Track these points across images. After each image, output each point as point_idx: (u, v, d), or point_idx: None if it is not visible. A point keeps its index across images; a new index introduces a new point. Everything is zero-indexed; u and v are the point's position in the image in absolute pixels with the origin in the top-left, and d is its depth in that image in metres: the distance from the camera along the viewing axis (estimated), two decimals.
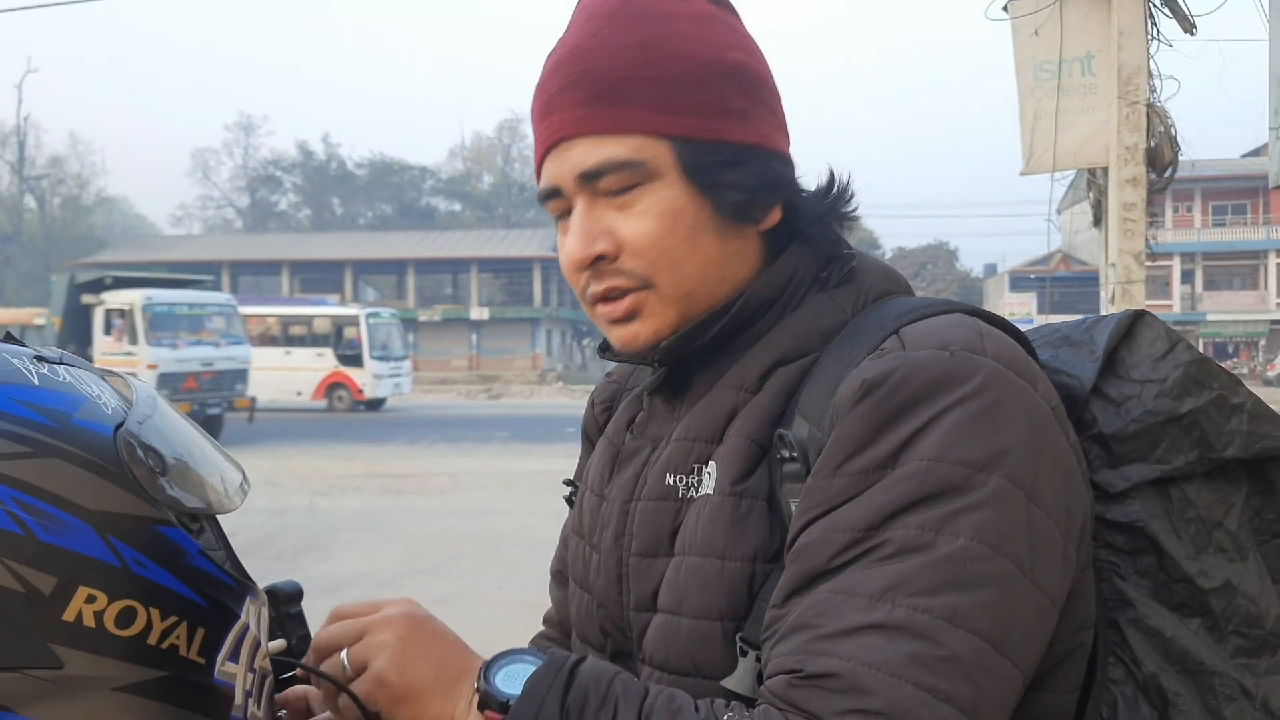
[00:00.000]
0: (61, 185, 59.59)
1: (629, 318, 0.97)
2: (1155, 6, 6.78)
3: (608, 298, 0.97)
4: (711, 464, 0.95)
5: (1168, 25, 6.76)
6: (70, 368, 0.74)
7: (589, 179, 0.95)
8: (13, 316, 20.94)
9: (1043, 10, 6.93)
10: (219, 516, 0.79)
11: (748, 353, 0.98)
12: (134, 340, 18.33)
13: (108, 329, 18.76)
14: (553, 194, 0.98)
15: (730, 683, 0.88)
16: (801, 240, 1.00)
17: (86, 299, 18.95)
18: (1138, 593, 0.94)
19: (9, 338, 0.76)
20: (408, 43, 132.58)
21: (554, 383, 40.74)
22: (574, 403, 30.56)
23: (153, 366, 17.75)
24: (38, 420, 0.67)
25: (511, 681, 0.84)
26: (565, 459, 7.45)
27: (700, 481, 0.95)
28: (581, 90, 0.94)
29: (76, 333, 18.67)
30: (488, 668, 0.85)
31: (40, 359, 0.73)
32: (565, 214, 0.99)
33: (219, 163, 76.47)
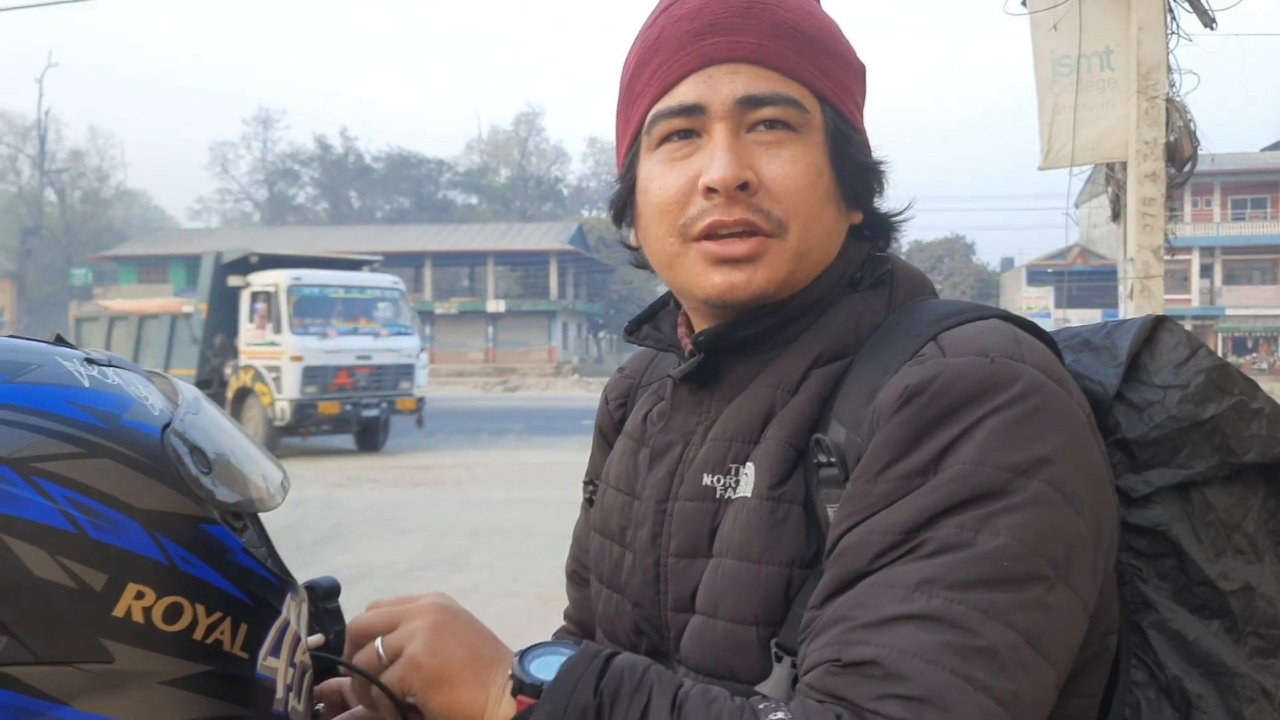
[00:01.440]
0: (82, 179, 59.94)
1: (747, 260, 0.95)
2: (1175, 1, 6.74)
3: (727, 234, 0.95)
4: (749, 465, 0.96)
5: (1187, 20, 6.72)
6: (119, 370, 0.76)
7: (749, 105, 0.94)
8: (162, 305, 18.88)
9: (1062, 5, 6.90)
10: (260, 514, 0.81)
11: (786, 350, 0.99)
12: (278, 328, 15.79)
13: (252, 315, 16.25)
14: (691, 110, 0.95)
15: (765, 688, 0.89)
16: (852, 244, 1.02)
17: (233, 281, 16.44)
18: (1159, 596, 0.95)
19: (59, 340, 0.78)
20: (425, 36, 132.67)
21: (570, 375, 40.79)
22: (590, 395, 30.57)
23: (297, 358, 15.52)
24: (89, 421, 0.70)
25: (546, 669, 0.84)
26: (581, 451, 7.41)
27: (738, 482, 0.96)
28: (763, 22, 0.95)
29: (223, 319, 16.60)
30: (523, 655, 0.87)
31: (90, 361, 0.75)
32: (677, 136, 0.97)
33: (237, 156, 76.72)
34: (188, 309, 17.48)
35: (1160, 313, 6.21)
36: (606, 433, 1.21)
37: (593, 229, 50.83)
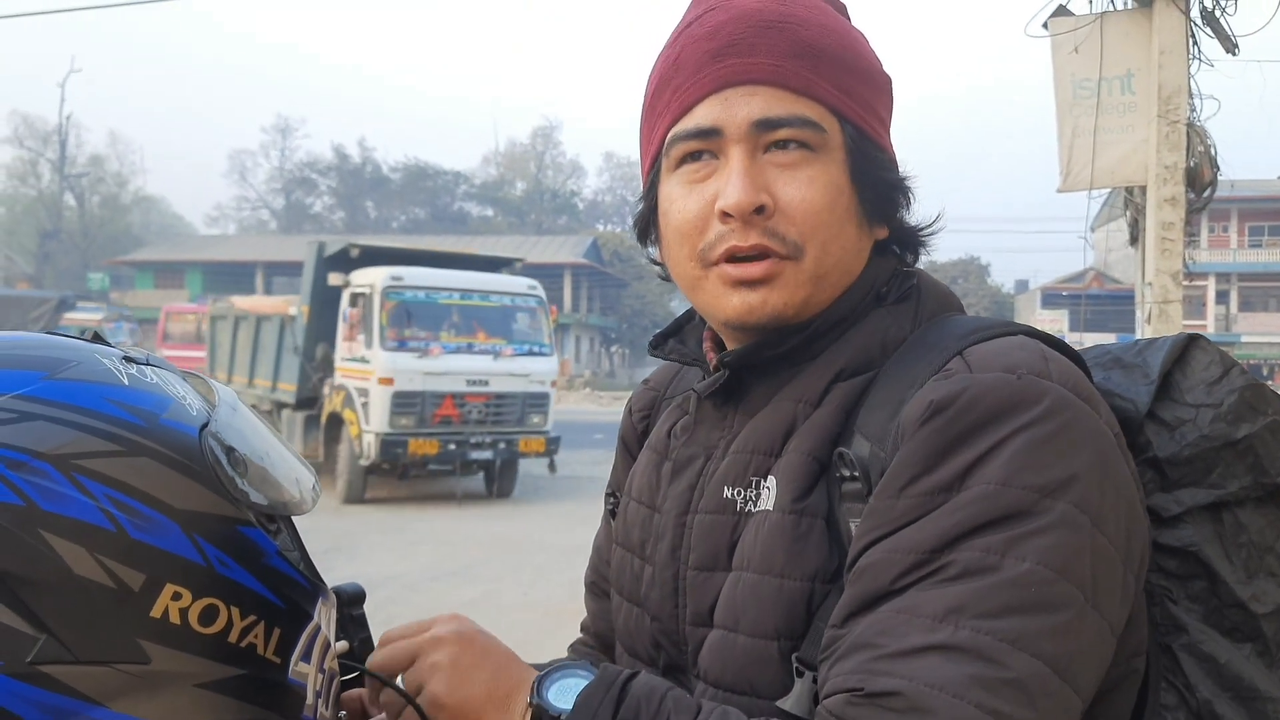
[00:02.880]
0: (101, 184, 60.30)
1: (763, 281, 0.95)
2: (1197, 26, 6.73)
3: (745, 257, 0.95)
4: (770, 478, 0.95)
5: (1209, 45, 6.71)
6: (156, 369, 0.76)
7: (765, 127, 0.94)
8: (273, 305, 15.43)
9: (1083, 28, 6.90)
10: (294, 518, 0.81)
11: (810, 365, 0.98)
12: (370, 341, 11.84)
13: (344, 322, 12.51)
14: (707, 134, 0.95)
15: (786, 703, 0.88)
16: (877, 259, 1.02)
17: (333, 279, 12.51)
18: (1190, 618, 0.94)
19: (97, 338, 0.78)
20: (445, 48, 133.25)
21: (582, 389, 40.77)
22: (601, 409, 30.52)
23: (386, 380, 11.61)
24: (129, 420, 0.69)
25: (564, 696, 0.85)
26: (591, 465, 7.47)
27: (759, 495, 0.95)
28: (782, 41, 0.94)
29: (324, 324, 12.85)
30: (540, 682, 0.86)
31: (128, 359, 0.75)
32: (694, 157, 0.97)
33: (255, 164, 76.91)
34: (292, 310, 13.88)
35: None
36: (630, 444, 1.21)
37: (607, 243, 50.86)
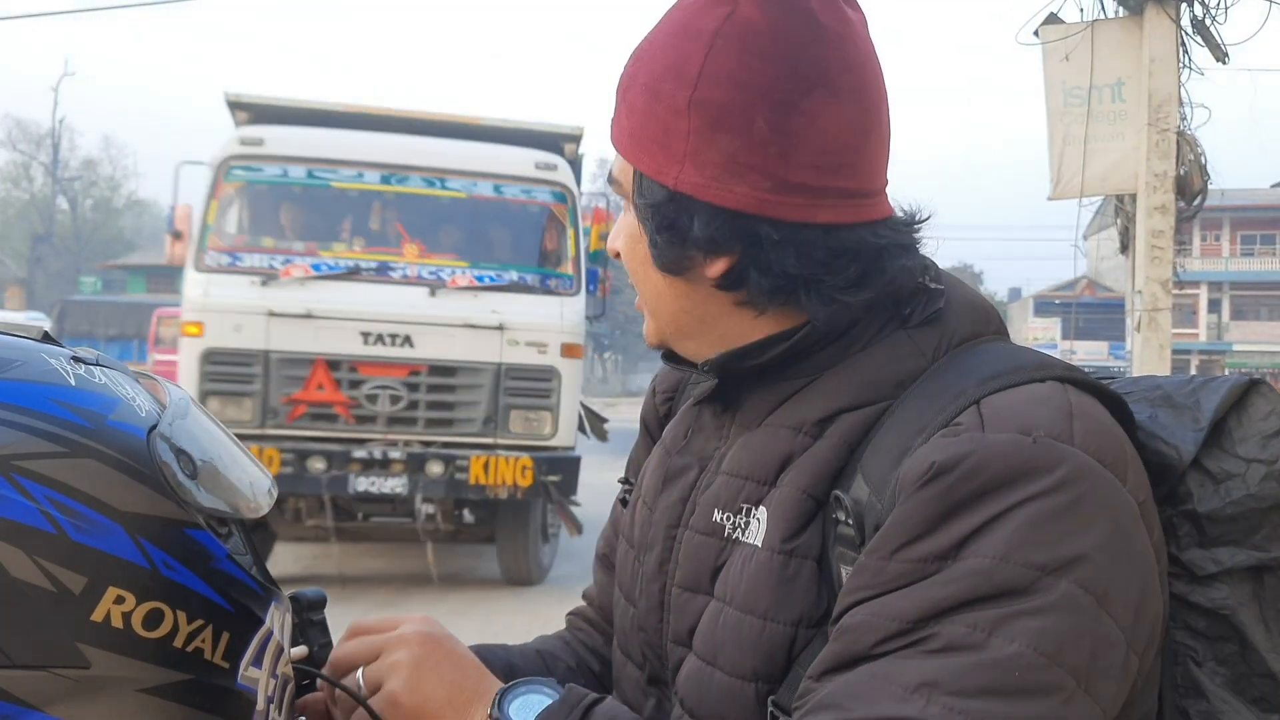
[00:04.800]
0: (94, 187, 60.21)
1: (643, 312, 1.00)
2: (1188, 35, 6.76)
3: None
4: (761, 509, 0.91)
5: (1200, 53, 6.74)
6: (106, 369, 0.75)
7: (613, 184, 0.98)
8: None
9: (1074, 36, 6.92)
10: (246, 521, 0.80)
11: (810, 386, 0.92)
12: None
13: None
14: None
15: None
16: (877, 272, 0.91)
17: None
18: (1213, 683, 0.88)
19: (46, 337, 0.77)
20: (438, 54, 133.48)
21: None
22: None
23: (193, 328, 6.70)
24: (73, 420, 0.68)
25: (525, 712, 0.84)
26: (585, 470, 7.42)
27: (748, 525, 0.91)
28: (615, 97, 0.96)
29: None
30: (502, 695, 0.85)
31: (77, 360, 0.74)
32: None
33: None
34: None
35: (1168, 345, 6.15)
36: (650, 425, 1.18)
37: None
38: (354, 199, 7.30)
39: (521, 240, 7.54)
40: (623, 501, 1.17)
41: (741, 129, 0.86)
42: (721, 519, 0.93)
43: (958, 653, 0.75)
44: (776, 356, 0.92)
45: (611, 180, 0.96)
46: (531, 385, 7.05)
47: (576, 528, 7.41)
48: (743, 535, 0.91)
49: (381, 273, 7.00)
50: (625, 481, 1.18)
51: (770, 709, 0.86)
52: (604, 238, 6.95)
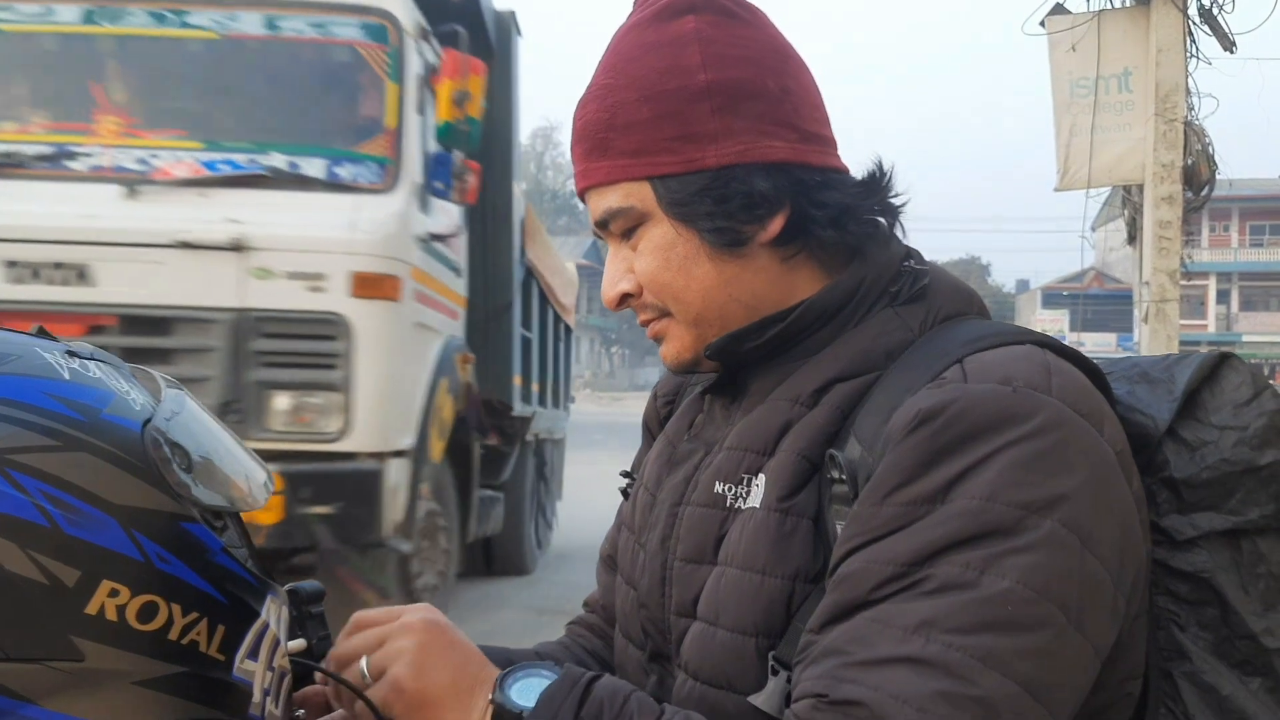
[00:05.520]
0: None
1: (659, 340, 1.03)
2: (1194, 24, 6.73)
3: (646, 323, 1.03)
4: (761, 476, 0.94)
5: (1207, 43, 6.70)
6: (100, 363, 0.75)
7: (602, 226, 1.01)
8: None
9: (1080, 26, 6.89)
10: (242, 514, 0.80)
11: (807, 363, 0.97)
12: None
13: None
14: (596, 234, 1.04)
15: (758, 700, 0.88)
16: (867, 252, 0.98)
17: None
18: (1196, 646, 0.91)
19: (42, 332, 0.77)
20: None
21: (582, 389, 40.81)
22: (601, 410, 30.51)
23: None
24: (68, 415, 0.68)
25: (526, 694, 0.84)
26: (590, 465, 7.49)
27: (749, 493, 0.94)
28: (582, 145, 0.99)
29: None
30: (503, 679, 0.86)
31: (72, 354, 0.74)
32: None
33: None
34: None
35: (1176, 336, 6.12)
36: (651, 427, 1.22)
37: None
38: (41, 49, 4.69)
39: (305, 105, 4.67)
40: (624, 493, 1.19)
41: (760, 93, 0.95)
42: (723, 489, 0.97)
43: (952, 592, 0.78)
44: (775, 336, 0.97)
45: (611, 219, 0.99)
46: (300, 347, 4.28)
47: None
48: (743, 503, 0.94)
49: (57, 164, 4.41)
50: (627, 475, 1.20)
51: (770, 663, 0.88)
52: (462, 100, 4.53)
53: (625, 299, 1.01)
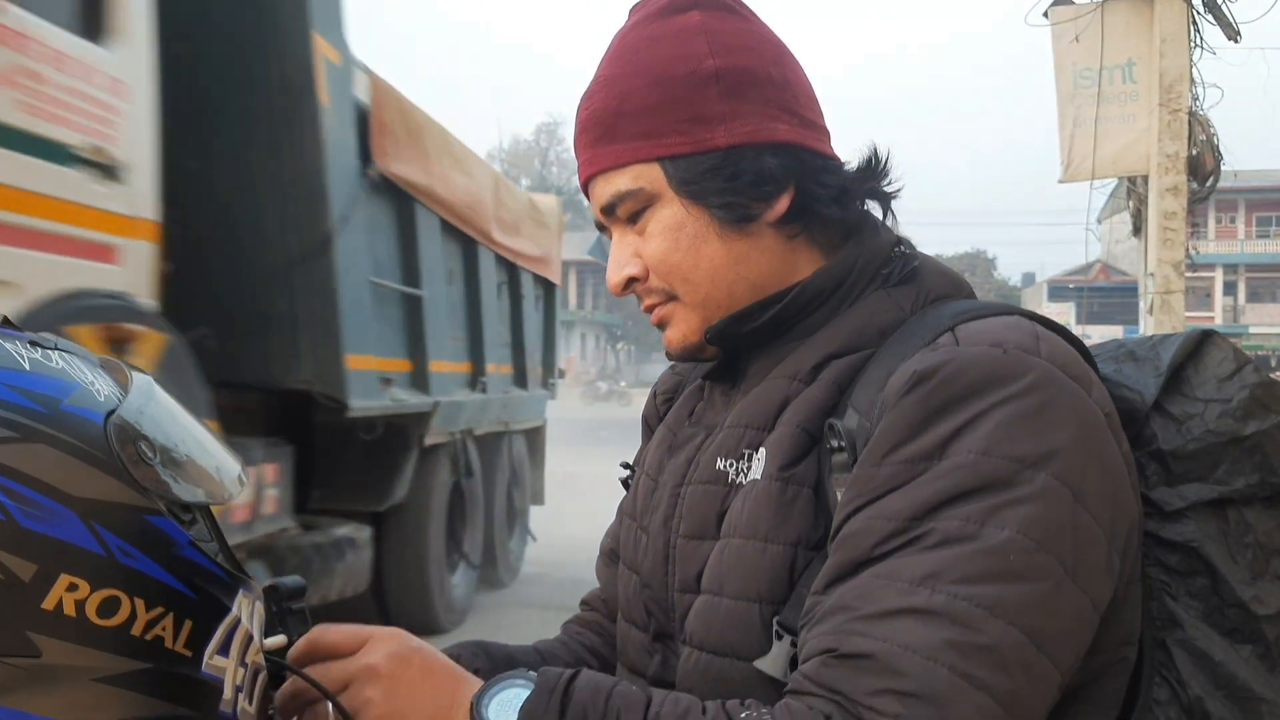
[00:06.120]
0: None
1: (665, 323, 1.04)
2: (1199, 13, 6.69)
3: (651, 308, 1.05)
4: (761, 450, 0.96)
5: (1211, 32, 6.66)
6: (65, 353, 0.73)
7: (608, 212, 1.02)
8: None
9: (1084, 17, 6.86)
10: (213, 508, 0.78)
11: (803, 343, 1.00)
12: None
13: None
14: (600, 225, 1.06)
15: (763, 664, 0.89)
16: (860, 236, 1.02)
17: None
18: (1188, 614, 0.93)
19: (5, 321, 0.75)
20: (447, 45, 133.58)
21: (587, 384, 40.77)
22: (606, 405, 30.53)
23: None
24: (26, 405, 0.66)
25: (505, 709, 0.82)
26: (598, 462, 7.41)
27: (750, 467, 0.96)
28: (589, 133, 1.01)
29: None
30: (479, 698, 0.83)
31: (34, 344, 0.72)
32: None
33: None
34: None
35: (1183, 328, 6.15)
36: (651, 423, 1.23)
37: None
38: None
39: None
40: (625, 484, 1.20)
41: (765, 80, 0.99)
42: (725, 465, 0.99)
43: (954, 544, 0.80)
44: (772, 318, 1.00)
45: (619, 201, 1.00)
46: None
47: None
48: (745, 477, 0.96)
49: None
50: (627, 466, 1.22)
51: (775, 628, 0.89)
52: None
53: (631, 283, 1.02)
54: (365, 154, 4.85)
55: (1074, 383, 0.86)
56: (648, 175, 0.99)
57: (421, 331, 5.52)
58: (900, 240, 1.04)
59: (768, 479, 0.93)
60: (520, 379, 7.30)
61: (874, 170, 1.03)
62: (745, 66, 0.98)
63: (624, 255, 1.02)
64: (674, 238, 0.99)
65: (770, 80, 0.99)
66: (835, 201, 1.00)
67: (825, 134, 1.03)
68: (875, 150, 1.03)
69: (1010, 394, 0.83)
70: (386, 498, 5.45)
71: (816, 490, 0.92)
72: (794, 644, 0.87)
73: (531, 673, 0.84)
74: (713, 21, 0.99)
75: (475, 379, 6.40)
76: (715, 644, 0.93)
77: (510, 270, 7.14)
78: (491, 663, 1.08)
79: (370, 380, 4.89)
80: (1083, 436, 0.84)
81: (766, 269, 1.00)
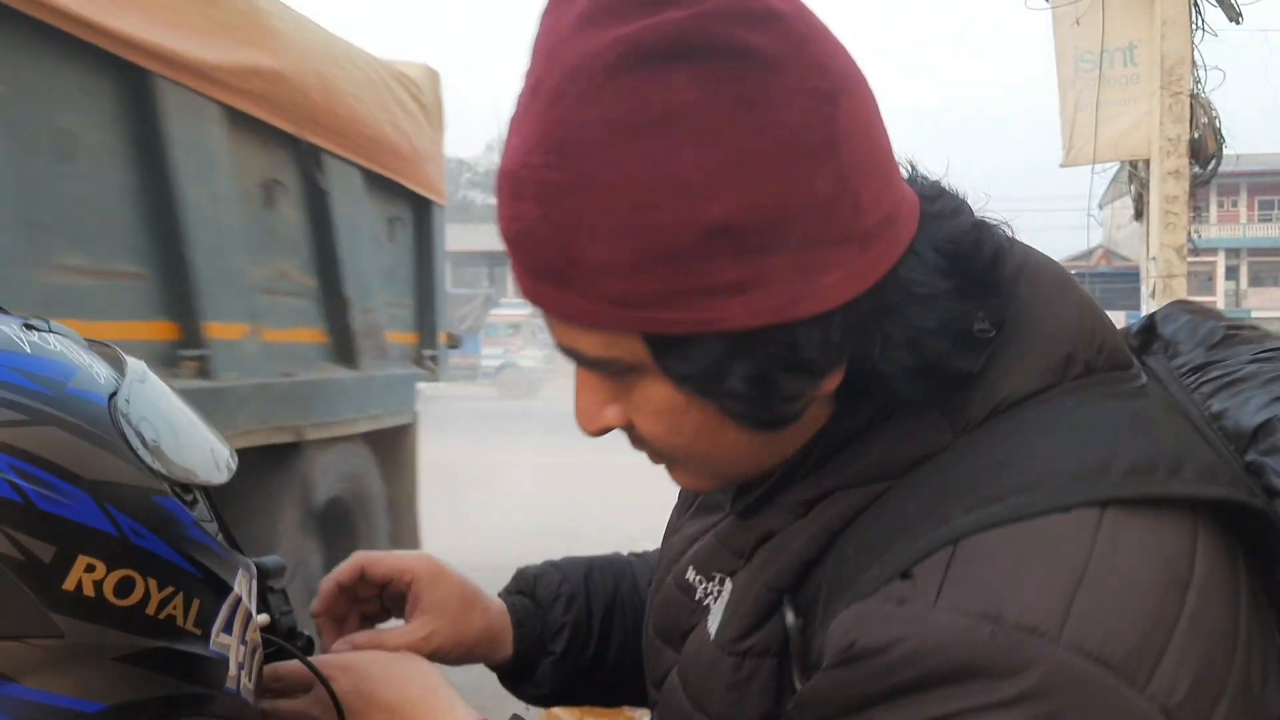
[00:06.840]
0: None
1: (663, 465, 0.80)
2: None
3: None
4: (728, 584, 0.82)
5: (1212, 14, 6.64)
6: (60, 336, 0.74)
7: (566, 353, 0.74)
8: None
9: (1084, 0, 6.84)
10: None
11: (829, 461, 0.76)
12: None
13: None
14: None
15: None
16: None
17: None
18: None
19: None
20: (444, 34, 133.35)
21: None
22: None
23: None
24: (32, 388, 0.67)
25: None
26: (599, 455, 7.40)
27: (717, 594, 0.83)
28: (521, 253, 0.68)
29: None
30: None
31: (30, 327, 0.73)
32: None
33: None
34: None
35: None
36: None
37: None
38: None
39: None
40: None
41: (805, 208, 0.63)
42: (694, 579, 0.87)
43: None
44: (786, 472, 0.78)
45: (582, 360, 0.72)
46: None
47: None
48: (711, 602, 0.83)
49: None
50: None
51: None
52: None
53: (608, 429, 0.76)
54: None
55: (1113, 676, 0.59)
56: (625, 345, 0.68)
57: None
58: (990, 307, 0.71)
59: (719, 647, 0.78)
60: (342, 350, 4.31)
61: (974, 259, 0.71)
62: (772, 200, 0.62)
63: (595, 402, 0.74)
64: (672, 422, 0.72)
65: (813, 205, 0.64)
66: (909, 345, 0.69)
67: (897, 215, 0.69)
68: (975, 233, 0.73)
69: (984, 703, 0.59)
70: None
71: (780, 655, 0.74)
72: None
73: None
74: (716, 97, 0.61)
75: (179, 350, 3.26)
76: None
77: (311, 165, 4.02)
78: (566, 571, 1.17)
79: None
80: None
81: (805, 436, 0.75)
